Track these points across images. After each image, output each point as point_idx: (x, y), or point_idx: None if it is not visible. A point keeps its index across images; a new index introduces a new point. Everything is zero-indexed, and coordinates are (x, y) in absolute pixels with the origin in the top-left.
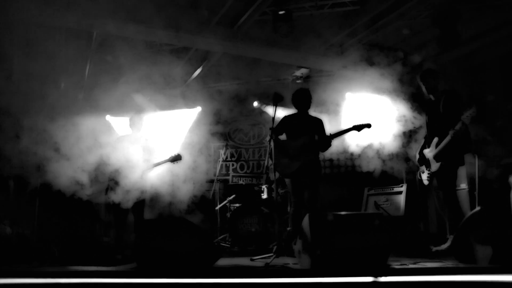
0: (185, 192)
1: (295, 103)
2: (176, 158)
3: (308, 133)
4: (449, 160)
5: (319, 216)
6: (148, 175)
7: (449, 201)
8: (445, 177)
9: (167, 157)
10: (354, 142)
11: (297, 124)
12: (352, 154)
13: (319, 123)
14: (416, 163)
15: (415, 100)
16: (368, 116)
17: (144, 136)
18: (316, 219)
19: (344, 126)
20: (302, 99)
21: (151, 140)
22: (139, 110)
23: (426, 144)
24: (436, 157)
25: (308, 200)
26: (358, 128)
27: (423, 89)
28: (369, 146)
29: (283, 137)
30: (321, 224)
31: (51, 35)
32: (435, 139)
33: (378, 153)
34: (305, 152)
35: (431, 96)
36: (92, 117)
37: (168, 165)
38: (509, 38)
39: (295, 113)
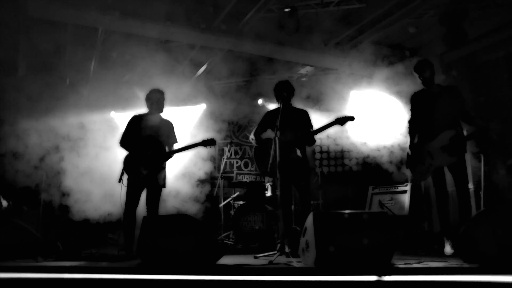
0: (189, 188)
1: (276, 96)
2: (210, 142)
3: (291, 128)
4: (463, 154)
5: (323, 215)
6: (172, 159)
7: (468, 198)
8: (464, 172)
9: (199, 140)
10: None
11: (281, 118)
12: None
13: (304, 114)
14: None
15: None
16: (373, 114)
17: (166, 118)
18: (320, 217)
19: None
20: (283, 90)
21: (174, 124)
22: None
23: (425, 137)
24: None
25: (301, 198)
26: (341, 121)
27: (419, 80)
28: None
29: (267, 133)
30: (325, 223)
31: (57, 31)
32: (448, 132)
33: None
34: (288, 149)
35: (426, 87)
36: (97, 114)
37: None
38: None
39: (277, 108)
